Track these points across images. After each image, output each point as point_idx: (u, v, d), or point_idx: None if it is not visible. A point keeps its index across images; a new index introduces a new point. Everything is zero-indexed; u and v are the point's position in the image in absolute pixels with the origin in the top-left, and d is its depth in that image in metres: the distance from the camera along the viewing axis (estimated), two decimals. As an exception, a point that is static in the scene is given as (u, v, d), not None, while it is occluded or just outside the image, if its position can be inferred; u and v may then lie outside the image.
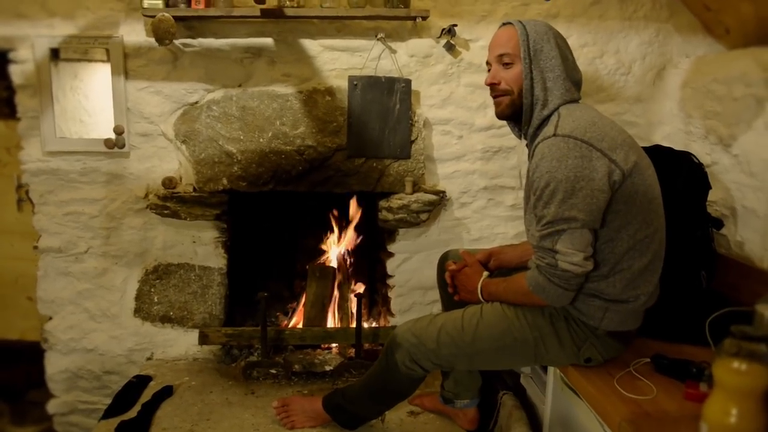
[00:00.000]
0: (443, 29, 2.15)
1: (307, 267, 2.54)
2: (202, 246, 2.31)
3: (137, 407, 1.94)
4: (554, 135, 1.35)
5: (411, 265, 2.37)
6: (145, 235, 2.28)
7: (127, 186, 2.25)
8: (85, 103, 2.29)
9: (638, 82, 2.29)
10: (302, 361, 2.30)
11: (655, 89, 2.30)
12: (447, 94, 2.24)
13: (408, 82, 2.17)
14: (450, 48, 2.18)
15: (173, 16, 1.96)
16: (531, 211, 1.45)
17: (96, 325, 2.33)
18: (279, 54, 2.18)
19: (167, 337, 2.35)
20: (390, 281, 2.40)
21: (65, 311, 2.32)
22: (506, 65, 1.47)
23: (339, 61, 2.20)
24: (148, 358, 2.35)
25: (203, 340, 2.28)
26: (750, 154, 1.81)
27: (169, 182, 2.17)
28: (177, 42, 2.13)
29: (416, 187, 2.23)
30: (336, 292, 2.51)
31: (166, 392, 2.04)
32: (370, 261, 2.73)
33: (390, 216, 2.22)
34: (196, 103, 2.19)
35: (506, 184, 2.33)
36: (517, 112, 1.49)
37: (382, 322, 2.53)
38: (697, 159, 1.80)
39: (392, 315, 2.41)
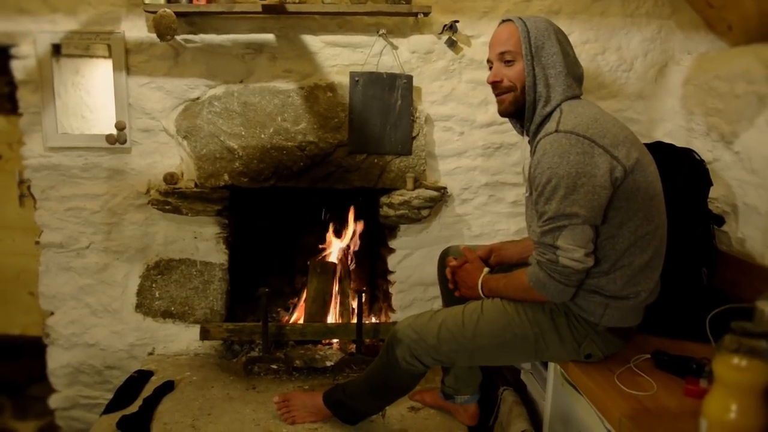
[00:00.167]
0: (445, 25, 2.15)
1: (308, 263, 2.55)
2: (203, 241, 2.31)
3: (138, 402, 1.95)
4: (556, 131, 1.35)
5: (412, 261, 2.37)
6: (147, 230, 2.29)
7: (129, 181, 2.25)
8: (86, 98, 2.29)
9: (640, 78, 2.28)
10: (303, 357, 2.31)
11: (657, 86, 2.29)
12: (448, 91, 2.24)
13: (409, 78, 2.17)
14: (451, 44, 2.18)
15: (175, 12, 1.96)
16: (533, 207, 1.45)
17: (97, 320, 2.34)
18: (280, 50, 2.18)
19: (168, 333, 2.35)
20: (391, 277, 2.40)
21: (67, 306, 2.32)
22: (508, 63, 1.46)
23: (340, 57, 2.20)
24: (150, 353, 2.35)
25: (204, 335, 2.29)
26: (751, 151, 1.81)
27: (170, 178, 2.17)
28: (178, 38, 2.13)
29: (417, 184, 2.23)
30: (337, 288, 2.51)
31: (168, 387, 2.05)
32: (371, 257, 2.73)
33: (391, 212, 2.22)
34: (198, 98, 2.19)
35: (507, 181, 2.33)
36: (519, 108, 1.48)
37: (382, 318, 2.53)
38: (699, 156, 1.80)
39: (393, 311, 2.42)
